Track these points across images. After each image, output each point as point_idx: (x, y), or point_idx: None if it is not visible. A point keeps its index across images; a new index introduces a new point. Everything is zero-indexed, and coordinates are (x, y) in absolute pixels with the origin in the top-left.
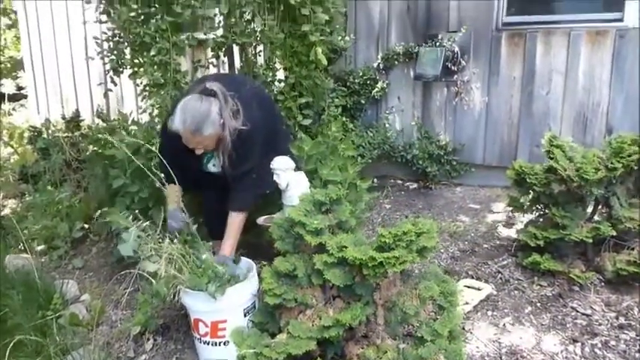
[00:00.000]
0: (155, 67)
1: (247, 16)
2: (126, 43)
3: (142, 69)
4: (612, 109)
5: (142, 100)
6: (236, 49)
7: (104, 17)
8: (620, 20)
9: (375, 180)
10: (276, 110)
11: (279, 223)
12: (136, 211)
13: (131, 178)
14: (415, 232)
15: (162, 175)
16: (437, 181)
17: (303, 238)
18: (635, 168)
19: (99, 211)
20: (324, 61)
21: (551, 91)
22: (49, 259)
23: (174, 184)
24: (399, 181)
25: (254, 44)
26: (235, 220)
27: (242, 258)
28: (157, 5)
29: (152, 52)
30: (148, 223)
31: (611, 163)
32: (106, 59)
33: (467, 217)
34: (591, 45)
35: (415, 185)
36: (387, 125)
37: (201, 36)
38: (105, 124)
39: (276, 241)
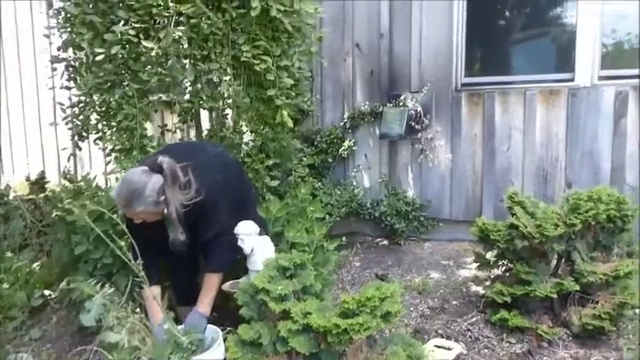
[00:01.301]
0: (121, 132)
1: (215, 80)
2: (91, 109)
3: (108, 133)
4: (570, 163)
5: (107, 164)
6: (204, 112)
7: (71, 83)
8: (572, 80)
9: (344, 238)
10: (243, 174)
11: (244, 289)
12: (101, 277)
13: (94, 244)
14: (379, 297)
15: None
16: (405, 236)
17: (267, 305)
18: (593, 223)
19: (61, 279)
20: (290, 124)
21: (512, 148)
22: (4, 330)
23: (151, 274)
24: (369, 238)
25: (221, 108)
26: (211, 280)
27: (208, 325)
28: (123, 72)
29: (118, 118)
30: (111, 290)
31: (570, 219)
32: (71, 124)
33: (436, 272)
34: (546, 104)
35: (384, 241)
36: (354, 183)
37: (169, 97)
38: (71, 186)
39: (241, 307)
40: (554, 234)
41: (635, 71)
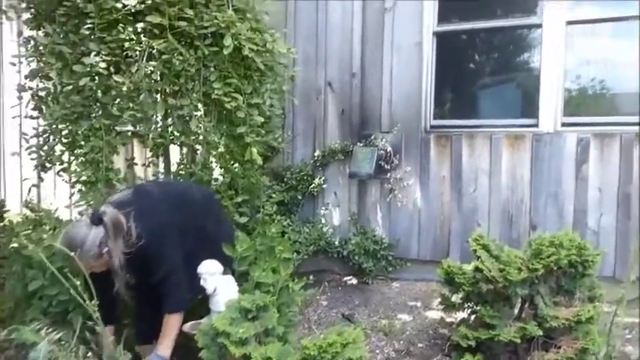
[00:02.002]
0: (86, 164)
1: (185, 116)
2: (56, 140)
3: (73, 165)
4: (534, 206)
5: (71, 196)
6: (174, 147)
7: (37, 113)
8: (536, 126)
9: (312, 276)
10: (211, 212)
11: (205, 331)
12: (56, 315)
13: (50, 280)
14: (341, 342)
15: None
16: (374, 276)
17: (227, 349)
18: (555, 268)
19: (14, 315)
20: (260, 161)
21: (478, 189)
22: None
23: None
24: (337, 276)
25: (191, 144)
26: (169, 321)
27: None
28: (91, 104)
29: (84, 150)
30: (58, 335)
31: (532, 264)
32: (35, 155)
33: (403, 313)
34: (511, 148)
35: (352, 280)
36: (323, 221)
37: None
38: (33, 215)
39: (201, 349)
40: (518, 278)
41: (595, 119)
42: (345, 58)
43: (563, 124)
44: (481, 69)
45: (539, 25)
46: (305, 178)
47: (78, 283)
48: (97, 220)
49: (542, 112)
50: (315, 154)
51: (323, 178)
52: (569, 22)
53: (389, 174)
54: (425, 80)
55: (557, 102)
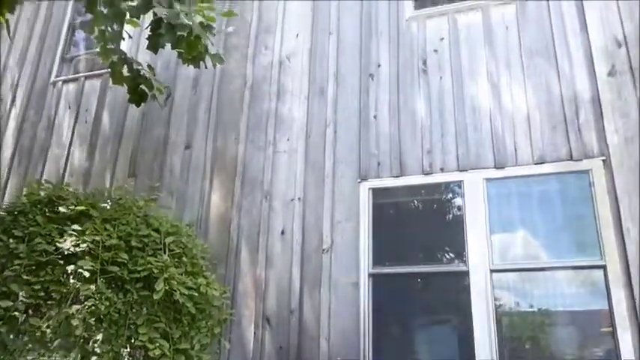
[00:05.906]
0: None
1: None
2: None
3: None
4: None
5: None
6: None
7: None
8: None
9: None
10: None
11: None
12: None
13: None
14: None
15: None
16: None
17: None
18: None
19: None
20: None
21: None
22: None
23: None
24: None
25: None
26: None
27: None
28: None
29: None
30: None
31: None
32: None
33: None
34: None
35: None
36: None
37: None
38: None
39: None
40: None
41: None
42: (284, 294)
43: None
44: (417, 309)
45: (467, 273)
46: None
47: None
48: None
49: (477, 357)
50: None
51: None
52: (493, 271)
53: None
54: (362, 319)
55: (491, 347)
